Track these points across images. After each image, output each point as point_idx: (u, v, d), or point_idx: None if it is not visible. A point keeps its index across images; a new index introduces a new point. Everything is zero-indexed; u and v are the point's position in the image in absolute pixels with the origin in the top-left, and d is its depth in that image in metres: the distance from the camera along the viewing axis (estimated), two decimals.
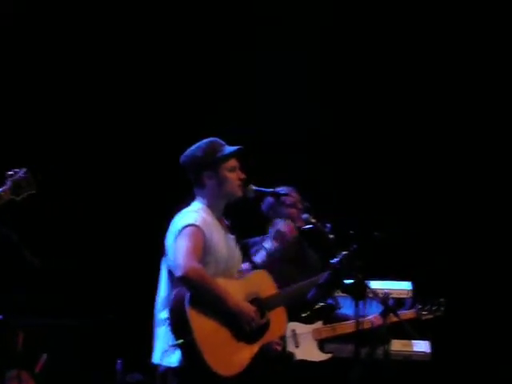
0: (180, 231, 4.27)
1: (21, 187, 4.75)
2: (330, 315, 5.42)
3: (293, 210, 5.36)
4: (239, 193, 4.47)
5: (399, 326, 5.17)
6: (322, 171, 7.38)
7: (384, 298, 5.25)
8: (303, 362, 5.24)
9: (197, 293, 4.16)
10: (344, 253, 4.98)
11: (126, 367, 6.43)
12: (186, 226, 4.26)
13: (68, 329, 6.39)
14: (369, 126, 7.51)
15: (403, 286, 6.06)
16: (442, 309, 5.60)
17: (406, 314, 5.54)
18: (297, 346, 5.25)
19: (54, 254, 6.62)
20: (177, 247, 4.24)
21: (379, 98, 7.53)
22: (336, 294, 5.53)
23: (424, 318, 5.58)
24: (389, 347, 5.58)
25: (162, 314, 4.32)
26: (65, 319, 6.41)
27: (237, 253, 4.51)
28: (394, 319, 5.13)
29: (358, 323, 4.75)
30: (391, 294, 5.85)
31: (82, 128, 7.44)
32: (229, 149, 4.44)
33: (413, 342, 5.88)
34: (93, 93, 7.47)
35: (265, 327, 4.38)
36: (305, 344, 5.26)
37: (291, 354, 5.21)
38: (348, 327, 5.33)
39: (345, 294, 5.45)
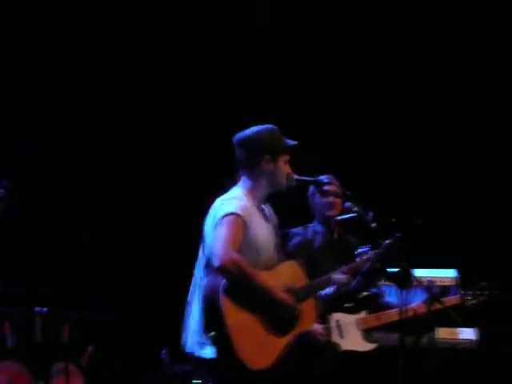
0: (220, 219, 4.21)
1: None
2: (374, 304, 5.39)
3: (331, 199, 5.35)
4: (285, 186, 4.43)
5: (445, 314, 5.13)
6: (360, 159, 7.34)
7: (429, 286, 5.22)
8: (348, 352, 5.22)
9: (234, 283, 4.12)
10: (387, 241, 4.96)
11: (172, 357, 6.46)
12: (227, 215, 4.20)
13: (114, 320, 6.43)
14: (410, 112, 7.46)
15: (448, 274, 6.02)
16: (486, 293, 5.53)
17: (451, 300, 5.49)
18: (342, 337, 5.23)
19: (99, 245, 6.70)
20: (216, 236, 4.18)
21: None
22: (380, 283, 5.53)
23: (469, 303, 5.51)
24: (435, 335, 5.55)
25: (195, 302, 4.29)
26: (110, 311, 6.45)
27: (274, 242, 4.44)
28: (439, 307, 5.08)
29: (402, 312, 4.72)
30: (436, 281, 5.82)
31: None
32: (290, 142, 4.40)
33: (459, 329, 5.84)
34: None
35: (296, 319, 4.34)
36: (350, 334, 5.23)
37: (336, 345, 5.20)
38: (393, 316, 5.30)
39: (389, 283, 5.44)
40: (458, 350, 5.83)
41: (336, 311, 5.19)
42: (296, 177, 4.71)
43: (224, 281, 4.11)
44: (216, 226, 4.22)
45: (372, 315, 5.33)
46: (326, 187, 5.20)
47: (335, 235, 5.50)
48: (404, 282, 4.76)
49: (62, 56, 7.42)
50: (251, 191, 4.36)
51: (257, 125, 4.45)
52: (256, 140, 4.33)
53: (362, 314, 5.32)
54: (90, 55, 7.46)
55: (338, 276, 4.73)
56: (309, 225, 5.53)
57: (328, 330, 5.14)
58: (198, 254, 4.38)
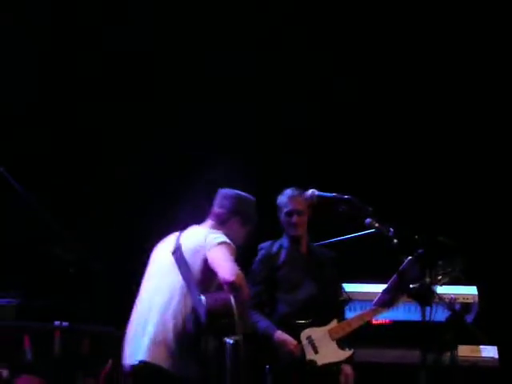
0: (220, 243, 4.57)
1: None
2: (343, 311, 5.41)
3: (294, 219, 5.35)
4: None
5: (467, 332, 5.09)
6: (384, 175, 7.33)
7: (450, 303, 5.17)
8: (327, 365, 5.19)
9: (242, 298, 4.43)
10: (409, 258, 4.93)
11: None
12: (226, 242, 4.59)
13: None
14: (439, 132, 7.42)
15: (469, 291, 5.98)
16: (458, 269, 5.34)
17: None
18: (316, 352, 5.20)
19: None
20: (220, 256, 4.51)
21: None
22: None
23: (441, 283, 5.33)
24: (456, 353, 5.50)
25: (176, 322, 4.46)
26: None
27: None
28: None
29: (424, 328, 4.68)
30: (457, 298, 5.78)
31: None
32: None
33: (481, 347, 5.79)
34: None
35: None
36: (324, 347, 5.21)
37: (312, 362, 5.17)
38: (363, 318, 5.27)
39: (410, 299, 5.39)
40: (480, 368, 5.78)
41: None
42: (317, 193, 4.75)
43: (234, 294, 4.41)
44: (215, 247, 4.57)
45: (342, 323, 5.30)
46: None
47: (302, 249, 5.47)
48: (425, 298, 4.73)
49: (62, 59, 7.47)
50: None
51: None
52: (238, 204, 4.84)
53: (333, 324, 5.29)
54: (89, 56, 7.48)
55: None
56: (276, 240, 5.55)
57: (302, 349, 5.13)
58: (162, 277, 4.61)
